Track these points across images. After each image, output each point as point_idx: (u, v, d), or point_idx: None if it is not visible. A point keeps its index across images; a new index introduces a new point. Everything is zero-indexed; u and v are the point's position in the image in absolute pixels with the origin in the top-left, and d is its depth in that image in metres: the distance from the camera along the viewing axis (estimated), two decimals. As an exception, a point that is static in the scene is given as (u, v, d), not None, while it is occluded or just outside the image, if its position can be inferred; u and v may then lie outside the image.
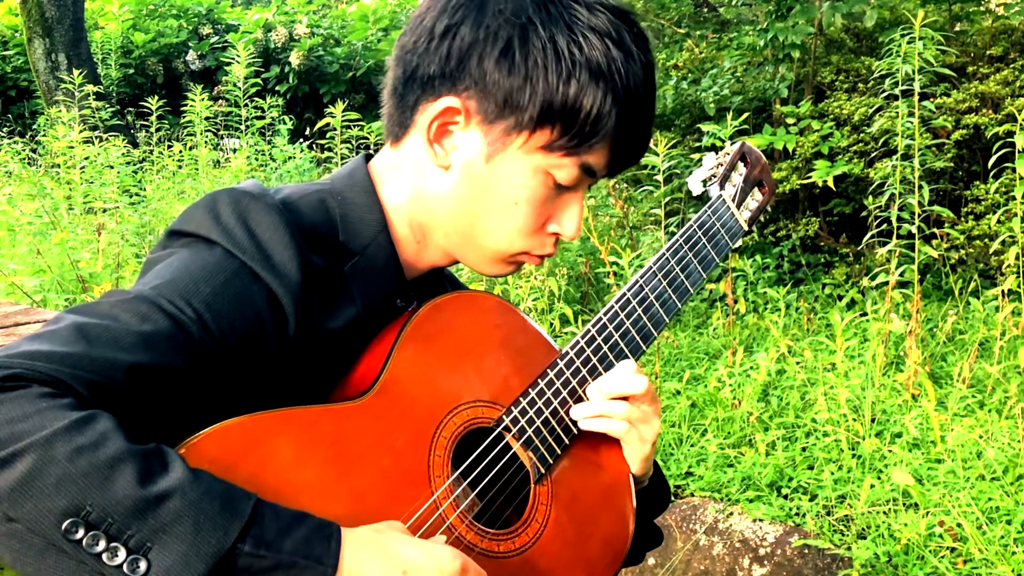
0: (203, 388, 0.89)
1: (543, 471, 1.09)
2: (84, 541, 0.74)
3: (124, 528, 0.75)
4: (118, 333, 0.84)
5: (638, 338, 1.19)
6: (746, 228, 1.34)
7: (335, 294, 1.01)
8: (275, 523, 0.81)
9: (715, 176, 1.34)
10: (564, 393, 1.12)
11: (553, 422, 1.11)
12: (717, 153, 1.37)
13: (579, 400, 1.13)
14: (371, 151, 1.14)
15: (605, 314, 1.17)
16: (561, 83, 0.97)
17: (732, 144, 1.39)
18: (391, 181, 1.07)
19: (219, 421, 0.88)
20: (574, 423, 1.12)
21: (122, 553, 0.75)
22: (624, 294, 1.19)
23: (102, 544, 0.74)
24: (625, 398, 1.13)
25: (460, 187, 1.03)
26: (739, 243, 1.35)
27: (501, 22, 0.98)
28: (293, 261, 0.94)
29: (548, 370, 1.12)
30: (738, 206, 1.33)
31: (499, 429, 1.07)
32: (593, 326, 1.16)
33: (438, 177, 1.04)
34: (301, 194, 1.03)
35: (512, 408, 1.09)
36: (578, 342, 1.15)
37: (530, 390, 1.10)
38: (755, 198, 1.36)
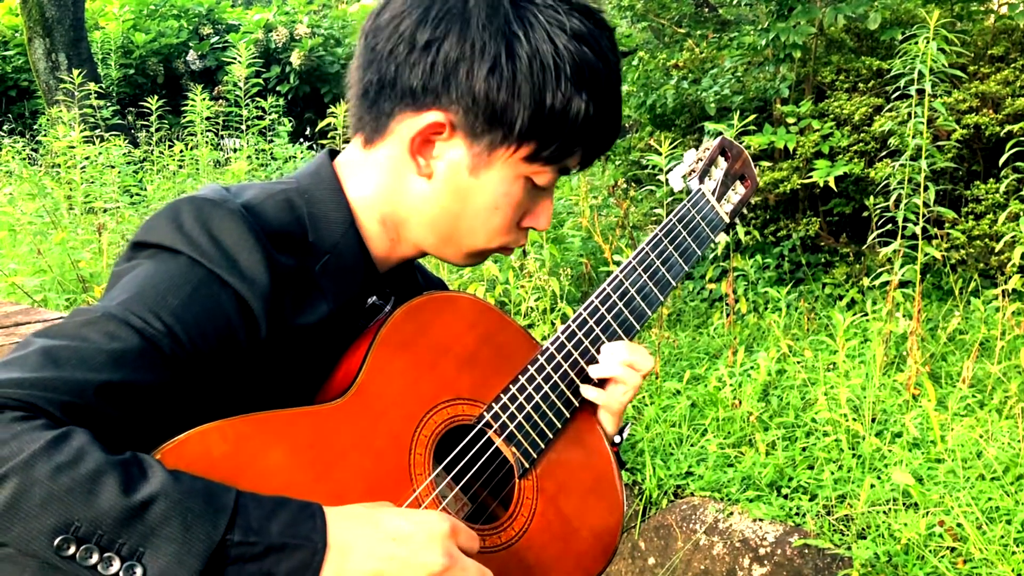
0: (180, 397, 0.89)
1: (527, 465, 1.10)
2: (77, 556, 0.75)
3: (115, 538, 0.76)
4: (87, 353, 0.84)
5: (620, 332, 1.20)
6: (727, 220, 1.34)
7: (307, 292, 1.01)
8: (259, 510, 0.82)
9: (695, 171, 1.34)
10: (546, 388, 1.13)
11: (536, 417, 1.11)
12: (698, 149, 1.38)
13: (561, 395, 1.14)
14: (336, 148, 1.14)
15: (585, 309, 1.18)
16: (548, 95, 0.98)
17: (712, 139, 1.39)
18: (360, 177, 1.07)
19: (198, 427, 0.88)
20: (558, 417, 1.13)
21: (116, 562, 0.76)
22: (603, 289, 1.20)
23: (95, 556, 0.75)
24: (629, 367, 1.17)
25: (442, 195, 1.04)
26: (723, 236, 1.36)
27: (487, 37, 0.97)
28: (260, 264, 0.94)
29: (529, 366, 1.13)
30: (719, 199, 1.33)
31: (480, 425, 1.08)
32: (573, 322, 1.17)
33: (418, 184, 1.05)
34: (267, 195, 1.03)
35: (493, 404, 1.09)
36: (558, 338, 1.15)
37: (511, 386, 1.11)
38: (737, 191, 1.37)
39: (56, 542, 0.75)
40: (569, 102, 0.99)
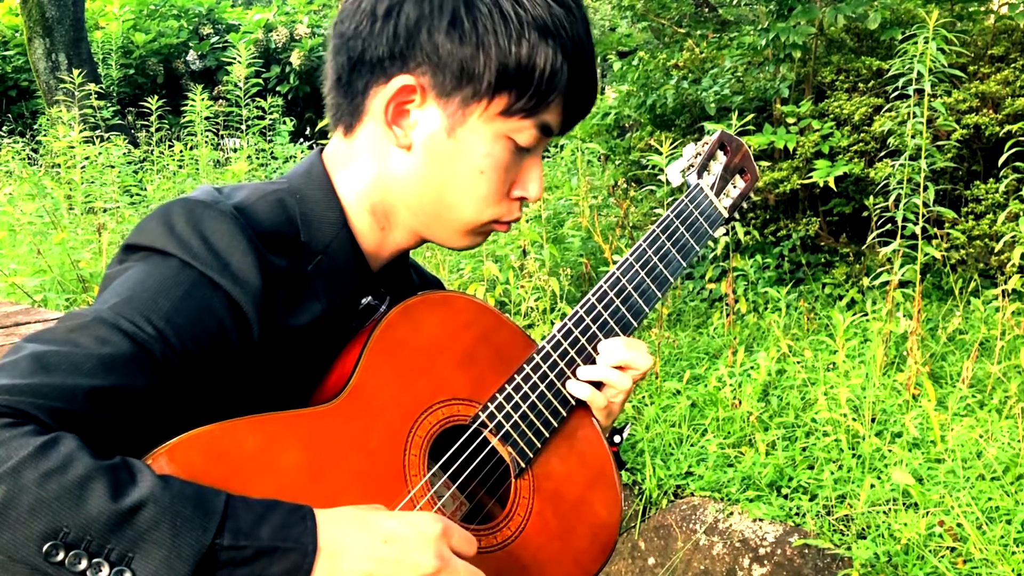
0: (172, 401, 0.89)
1: (523, 465, 1.10)
2: (66, 561, 0.75)
3: (103, 543, 0.76)
4: (77, 358, 0.83)
5: (617, 328, 1.19)
6: (727, 215, 1.33)
7: (300, 293, 1.00)
8: (249, 514, 0.82)
9: (693, 165, 1.33)
10: (542, 387, 1.12)
11: (532, 416, 1.11)
12: (697, 143, 1.37)
13: (558, 394, 1.14)
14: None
15: (582, 307, 1.17)
16: (513, 45, 0.97)
17: (711, 133, 1.38)
18: (347, 171, 1.07)
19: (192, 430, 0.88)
20: (554, 416, 1.13)
21: (105, 568, 0.76)
22: (601, 286, 1.19)
23: (84, 562, 0.75)
24: (622, 368, 1.16)
25: (424, 164, 1.03)
26: (722, 231, 1.34)
27: None
28: (252, 266, 0.94)
29: (525, 365, 1.12)
30: (717, 194, 1.32)
31: (475, 425, 1.07)
32: (570, 319, 1.16)
33: (400, 158, 1.04)
34: (259, 195, 1.02)
35: (488, 404, 1.09)
36: (555, 336, 1.15)
37: (506, 385, 1.10)
38: (736, 185, 1.35)
39: (45, 548, 0.74)
40: (535, 51, 0.98)
